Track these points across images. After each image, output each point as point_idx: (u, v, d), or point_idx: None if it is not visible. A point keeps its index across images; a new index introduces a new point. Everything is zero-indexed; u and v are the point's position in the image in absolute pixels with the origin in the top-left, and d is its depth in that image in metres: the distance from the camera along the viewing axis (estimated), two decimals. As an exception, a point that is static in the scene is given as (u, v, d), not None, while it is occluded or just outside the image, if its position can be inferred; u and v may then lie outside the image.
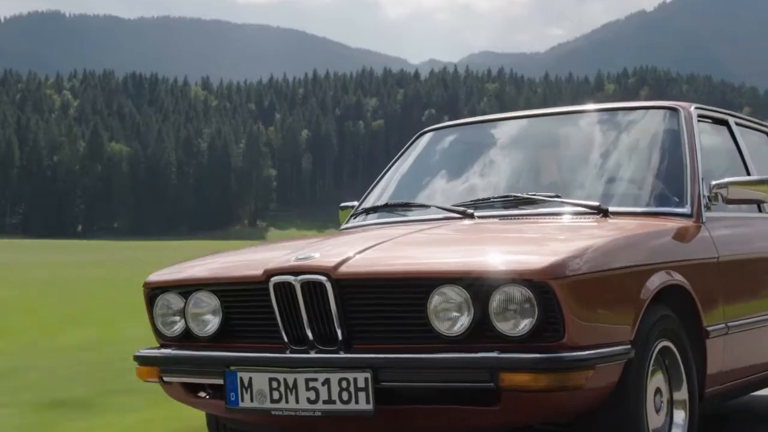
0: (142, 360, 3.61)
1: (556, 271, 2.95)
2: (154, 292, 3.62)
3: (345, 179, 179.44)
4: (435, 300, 3.04)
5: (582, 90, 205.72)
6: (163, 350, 3.57)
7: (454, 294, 3.01)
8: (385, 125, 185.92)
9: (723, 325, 3.74)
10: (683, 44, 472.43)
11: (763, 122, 4.99)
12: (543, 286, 2.94)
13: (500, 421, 3.08)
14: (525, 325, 2.96)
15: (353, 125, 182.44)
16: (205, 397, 3.54)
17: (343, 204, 4.81)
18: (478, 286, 3.00)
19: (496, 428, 3.14)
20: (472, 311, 2.99)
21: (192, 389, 3.57)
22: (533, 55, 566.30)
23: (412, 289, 3.09)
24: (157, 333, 3.63)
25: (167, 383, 3.59)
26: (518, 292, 2.96)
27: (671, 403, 3.46)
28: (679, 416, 3.46)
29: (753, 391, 4.51)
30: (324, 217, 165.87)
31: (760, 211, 4.42)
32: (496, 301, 2.98)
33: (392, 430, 3.24)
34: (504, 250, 3.24)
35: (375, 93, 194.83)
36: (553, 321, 2.95)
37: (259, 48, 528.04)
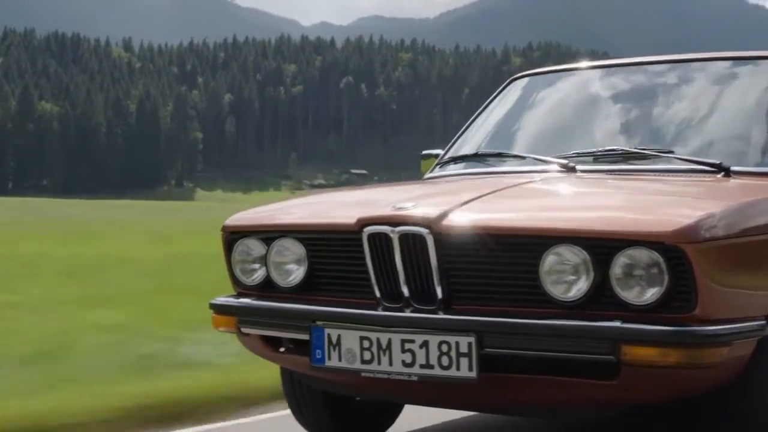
0: (219, 308, 3.30)
1: (690, 233, 2.60)
2: (233, 236, 3.30)
3: (266, 143, 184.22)
4: (549, 260, 2.71)
5: (490, 62, 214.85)
6: (241, 299, 3.27)
7: (572, 255, 2.68)
8: (304, 91, 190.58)
9: None
10: (568, 16, 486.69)
11: None
12: (675, 250, 2.58)
13: (617, 397, 2.77)
14: (652, 293, 2.62)
15: (274, 90, 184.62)
16: (285, 352, 3.25)
17: (425, 152, 4.36)
18: (599, 247, 2.67)
19: (613, 405, 2.84)
20: (592, 275, 2.66)
21: (272, 343, 3.27)
22: (423, 21, 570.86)
23: (524, 248, 2.76)
24: (235, 281, 3.30)
25: (245, 335, 3.28)
26: (646, 255, 2.61)
27: None
28: None
29: None
30: (248, 179, 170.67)
31: None
32: (619, 264, 2.64)
33: (495, 401, 2.97)
34: (629, 208, 2.90)
35: (294, 59, 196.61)
36: (685, 290, 2.60)
37: (149, 4, 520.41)
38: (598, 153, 3.53)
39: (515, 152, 3.77)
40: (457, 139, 4.21)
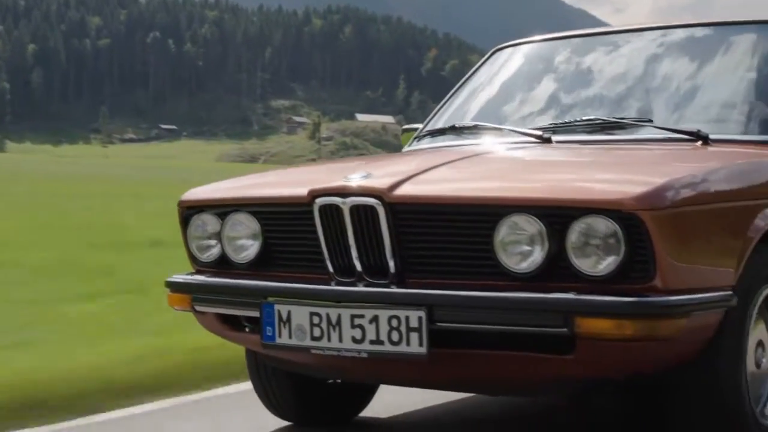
0: (174, 286, 3.10)
1: (648, 200, 2.44)
2: (188, 211, 3.10)
3: (73, 95, 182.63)
4: (503, 230, 2.55)
5: (292, 22, 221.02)
6: (195, 276, 3.08)
7: (526, 224, 2.52)
8: (111, 44, 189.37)
9: None
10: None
11: None
12: (632, 218, 2.42)
13: (573, 372, 2.60)
14: (608, 263, 2.45)
15: (79, 42, 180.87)
16: (245, 330, 3.04)
17: (406, 126, 4.21)
18: (555, 216, 2.51)
19: (570, 381, 2.70)
20: (547, 245, 2.49)
21: (228, 321, 3.06)
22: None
23: (478, 217, 2.60)
24: (192, 258, 3.11)
25: (200, 313, 3.08)
26: (602, 223, 2.44)
27: None
28: None
29: None
30: (57, 131, 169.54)
31: None
32: (575, 233, 2.47)
33: (447, 378, 2.80)
34: (586, 176, 2.77)
35: (98, 11, 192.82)
36: (642, 260, 2.43)
37: None
38: (576, 123, 3.38)
39: (493, 124, 3.59)
40: (437, 112, 4.03)
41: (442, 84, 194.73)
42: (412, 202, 2.67)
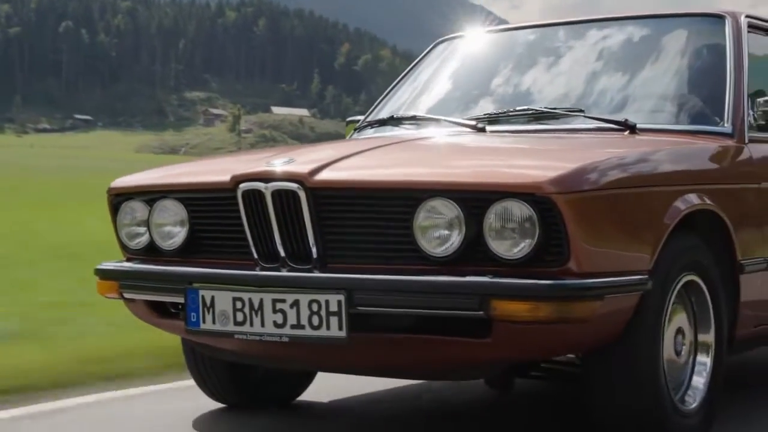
0: (102, 274, 3.09)
1: (562, 184, 2.47)
2: (118, 199, 3.08)
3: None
4: (422, 215, 2.57)
5: (206, 14, 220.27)
6: (122, 264, 3.07)
7: (445, 208, 2.55)
8: (21, 32, 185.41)
9: (762, 260, 3.17)
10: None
11: None
12: (546, 202, 2.45)
13: (491, 356, 2.63)
14: (524, 246, 2.47)
15: None
16: (173, 317, 3.03)
17: (349, 118, 4.23)
18: (472, 200, 2.54)
19: (488, 364, 2.74)
20: (465, 229, 2.52)
21: (156, 308, 3.05)
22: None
23: (397, 202, 2.62)
24: (122, 246, 3.10)
25: (128, 300, 3.06)
26: (517, 207, 2.47)
27: (695, 346, 2.95)
28: (703, 361, 2.96)
29: None
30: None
31: None
32: (491, 217, 2.50)
33: (367, 362, 2.84)
34: (506, 162, 2.81)
35: None
36: (557, 243, 2.46)
37: None
38: (510, 113, 3.43)
39: (431, 115, 3.62)
40: (378, 103, 4.05)
41: (354, 78, 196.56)
42: (333, 187, 2.68)
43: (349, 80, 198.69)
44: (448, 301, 2.51)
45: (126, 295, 3.07)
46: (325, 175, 2.69)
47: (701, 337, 2.98)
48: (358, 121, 4.06)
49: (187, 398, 3.65)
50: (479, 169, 2.69)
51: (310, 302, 2.63)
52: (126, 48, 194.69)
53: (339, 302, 2.60)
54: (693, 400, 2.91)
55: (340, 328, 2.60)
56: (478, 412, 3.56)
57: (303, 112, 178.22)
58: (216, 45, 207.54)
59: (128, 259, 3.13)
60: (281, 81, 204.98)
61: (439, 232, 2.58)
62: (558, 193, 2.46)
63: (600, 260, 2.54)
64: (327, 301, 2.61)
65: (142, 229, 3.06)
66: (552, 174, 2.50)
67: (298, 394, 3.61)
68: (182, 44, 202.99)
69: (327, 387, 3.71)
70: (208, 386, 3.45)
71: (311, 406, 3.60)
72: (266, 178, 2.73)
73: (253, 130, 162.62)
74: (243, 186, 2.76)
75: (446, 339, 2.58)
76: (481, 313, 2.48)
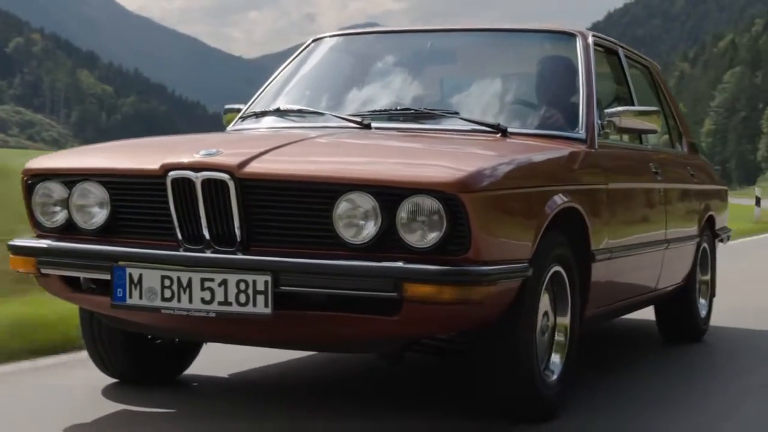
0: (18, 249, 3.12)
1: (468, 184, 2.76)
2: (33, 179, 3.12)
3: None
4: (342, 206, 2.79)
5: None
6: (42, 241, 3.12)
7: (363, 201, 2.78)
8: None
9: (606, 250, 3.61)
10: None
11: (645, 56, 4.98)
12: (453, 199, 2.73)
13: (399, 331, 2.90)
14: (432, 237, 2.74)
15: None
16: (87, 292, 3.13)
17: (228, 106, 4.36)
18: (388, 194, 2.76)
19: (395, 339, 3.00)
20: (380, 220, 2.77)
21: (71, 284, 3.13)
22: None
23: (320, 194, 2.83)
24: (35, 223, 3.13)
25: (44, 276, 3.11)
26: (428, 202, 2.74)
27: (554, 327, 3.34)
28: (561, 340, 3.35)
29: (629, 313, 4.53)
30: None
31: (641, 142, 4.33)
32: (405, 210, 2.76)
33: (288, 337, 3.02)
34: (416, 160, 3.03)
35: None
36: (461, 234, 2.74)
37: None
38: (392, 112, 3.72)
39: (315, 109, 3.86)
40: (258, 95, 4.21)
41: (6, 61, 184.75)
42: (261, 178, 2.87)
43: (1, 63, 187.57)
44: (366, 283, 2.77)
45: (44, 271, 3.14)
46: (253, 167, 2.88)
47: (559, 320, 3.37)
48: (237, 109, 4.25)
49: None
50: (393, 166, 2.94)
51: (239, 281, 2.84)
52: None
53: (266, 282, 2.81)
54: (552, 374, 3.31)
55: (266, 306, 2.81)
56: (364, 383, 3.90)
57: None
58: None
59: (40, 236, 3.19)
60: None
61: (356, 222, 2.82)
62: (463, 191, 2.76)
63: (494, 250, 2.85)
64: (254, 281, 2.82)
65: (59, 208, 3.14)
66: (459, 174, 2.79)
67: (184, 369, 3.81)
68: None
69: (228, 361, 3.99)
70: (102, 360, 3.59)
71: (213, 380, 3.86)
72: (197, 167, 2.90)
73: None
74: (173, 174, 2.91)
75: (361, 317, 2.85)
76: (395, 294, 2.74)
